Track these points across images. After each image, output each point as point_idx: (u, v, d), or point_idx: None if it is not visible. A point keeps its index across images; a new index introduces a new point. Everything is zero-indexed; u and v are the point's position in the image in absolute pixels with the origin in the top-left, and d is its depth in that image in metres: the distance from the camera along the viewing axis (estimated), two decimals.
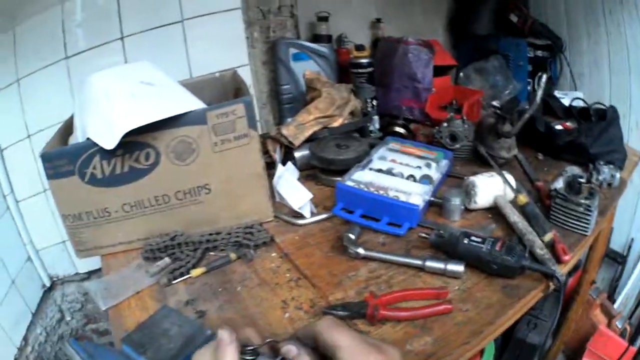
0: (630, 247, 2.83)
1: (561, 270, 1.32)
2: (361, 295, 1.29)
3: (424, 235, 1.49)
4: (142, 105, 1.42)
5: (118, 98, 1.42)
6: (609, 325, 2.65)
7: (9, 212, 1.96)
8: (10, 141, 1.93)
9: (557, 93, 2.53)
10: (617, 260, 2.87)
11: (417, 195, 1.58)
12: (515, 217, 1.50)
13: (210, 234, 1.53)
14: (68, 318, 2.27)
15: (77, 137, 1.49)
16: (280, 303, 1.30)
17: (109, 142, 1.32)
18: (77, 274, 2.20)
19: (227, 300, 1.32)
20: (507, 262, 1.29)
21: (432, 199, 1.65)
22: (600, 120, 1.95)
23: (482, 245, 1.32)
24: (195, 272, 1.42)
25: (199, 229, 1.57)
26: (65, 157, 1.40)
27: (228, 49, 2.24)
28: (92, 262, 2.07)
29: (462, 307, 1.22)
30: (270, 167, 1.71)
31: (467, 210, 1.66)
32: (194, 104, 1.49)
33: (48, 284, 2.15)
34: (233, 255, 1.48)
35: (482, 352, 2.21)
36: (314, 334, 0.72)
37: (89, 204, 1.47)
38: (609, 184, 1.75)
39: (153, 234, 1.54)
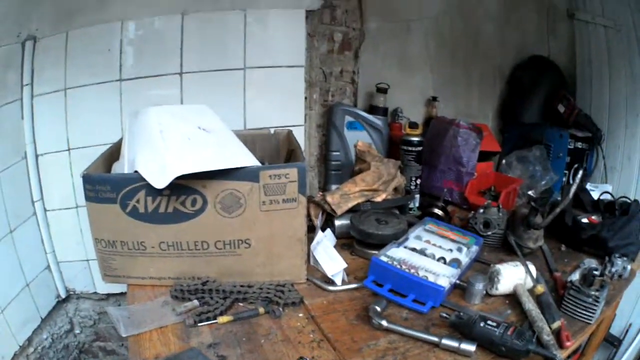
0: (627, 331, 2.77)
1: (561, 355, 1.35)
2: None
3: (445, 315, 1.50)
4: (198, 152, 1.43)
5: (174, 139, 1.44)
6: None
7: (34, 218, 1.94)
8: (48, 149, 1.90)
9: (588, 185, 2.53)
10: (614, 343, 2.79)
11: (444, 277, 1.59)
12: (530, 305, 1.52)
13: (242, 286, 1.54)
14: (77, 331, 2.25)
15: (122, 166, 1.50)
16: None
17: (160, 181, 1.33)
18: (95, 292, 2.17)
19: (249, 350, 1.32)
20: (515, 345, 1.32)
21: (457, 281, 1.66)
22: (623, 215, 1.95)
23: (496, 330, 1.35)
24: (222, 319, 1.42)
25: (232, 279, 1.57)
26: (108, 184, 1.41)
27: (286, 106, 2.21)
28: (113, 286, 2.04)
29: None
30: (310, 230, 1.70)
31: (488, 295, 1.66)
32: (249, 160, 1.50)
33: (64, 295, 2.12)
34: (261, 310, 1.48)
35: None
36: None
37: (126, 235, 1.47)
38: (620, 276, 1.75)
39: (185, 276, 1.55)
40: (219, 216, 1.47)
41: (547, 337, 1.39)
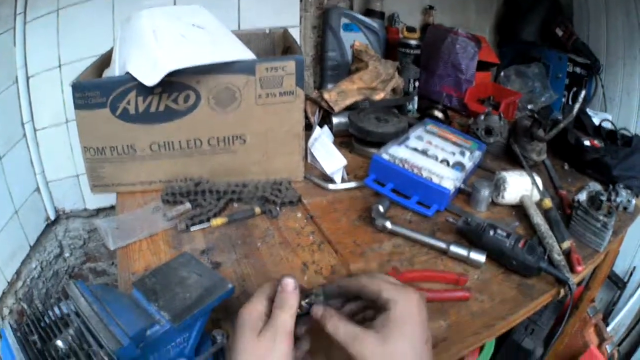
0: (631, 274, 2.78)
1: (574, 280, 1.28)
2: (383, 269, 1.24)
3: (451, 220, 1.42)
4: (192, 47, 1.33)
5: (167, 36, 1.33)
6: (599, 347, 2.57)
7: (24, 141, 1.84)
8: (39, 69, 1.81)
9: (588, 111, 2.46)
10: (618, 284, 2.81)
11: (449, 180, 1.51)
12: (539, 218, 1.45)
13: (237, 185, 1.45)
14: (67, 254, 2.17)
15: (114, 70, 1.39)
16: (300, 265, 1.23)
17: (151, 78, 1.22)
18: (85, 209, 2.09)
19: (245, 255, 1.25)
20: (527, 260, 1.25)
21: (462, 186, 1.59)
22: (626, 146, 1.90)
23: (507, 240, 1.27)
24: (216, 222, 1.33)
25: (226, 178, 1.48)
26: (98, 89, 1.31)
27: (280, 7, 2.09)
28: (102, 200, 1.99)
29: (478, 297, 1.18)
30: (307, 128, 1.61)
31: (494, 203, 1.59)
32: (245, 53, 1.40)
33: (53, 217, 2.03)
34: (257, 209, 1.40)
35: (481, 347, 2.15)
36: (359, 285, 0.81)
37: (116, 139, 1.38)
38: (625, 208, 1.69)
39: (177, 178, 1.46)
40: (213, 112, 1.38)
41: (558, 256, 1.32)
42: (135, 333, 0.70)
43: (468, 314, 1.11)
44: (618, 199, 1.59)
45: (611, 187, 1.65)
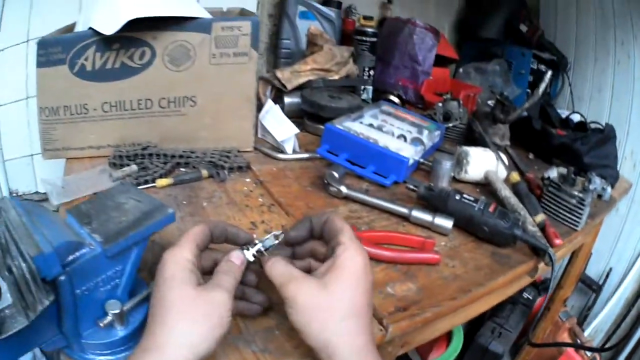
0: (607, 276, 2.88)
1: (554, 251, 1.28)
2: None
3: (412, 187, 1.45)
4: (153, 1, 1.42)
5: None
6: (576, 351, 2.64)
7: None
8: (8, 44, 1.89)
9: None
10: (592, 287, 2.91)
11: (407, 151, 1.57)
12: (507, 192, 1.50)
13: (185, 151, 1.54)
14: None
15: (77, 29, 1.50)
16: (248, 224, 1.28)
17: (111, 27, 1.32)
18: (37, 192, 2.13)
19: (189, 213, 1.30)
20: (499, 226, 1.26)
21: (421, 159, 1.66)
22: (598, 134, 1.96)
23: (475, 204, 1.30)
24: (161, 182, 1.41)
25: (174, 144, 1.58)
26: (60, 45, 1.40)
27: None
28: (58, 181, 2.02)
29: (449, 262, 1.20)
30: (259, 109, 1.72)
31: (456, 180, 1.66)
32: (203, 13, 1.51)
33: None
34: (205, 172, 1.48)
35: (449, 339, 2.24)
36: (325, 218, 0.89)
37: (70, 98, 1.46)
38: (600, 196, 1.75)
39: (125, 142, 1.55)
40: (167, 70, 1.48)
41: (533, 227, 1.35)
42: (60, 244, 0.70)
43: (439, 278, 1.13)
44: (591, 186, 1.58)
45: (582, 174, 1.60)
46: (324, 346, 0.74)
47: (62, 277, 0.70)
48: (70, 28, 1.56)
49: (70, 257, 0.73)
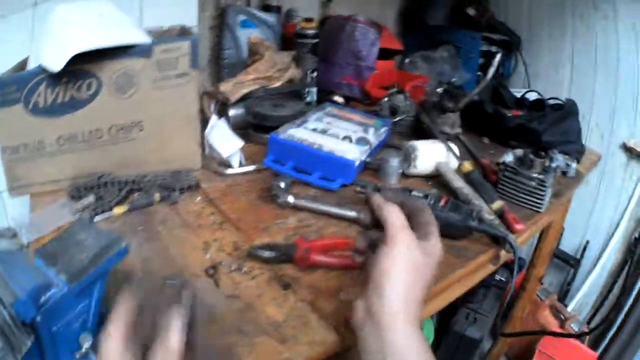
0: (584, 249, 3.06)
1: (514, 237, 1.38)
2: (289, 241, 1.35)
3: (359, 190, 1.56)
4: (95, 33, 1.55)
5: (74, 24, 1.55)
6: (562, 327, 2.83)
7: None
8: None
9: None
10: (570, 262, 3.08)
11: (353, 153, 1.67)
12: (459, 182, 1.58)
13: (137, 176, 1.67)
14: None
15: (29, 67, 1.62)
16: (202, 244, 1.39)
17: (58, 63, 1.43)
18: (8, 228, 2.07)
19: (146, 239, 1.40)
20: (451, 218, 1.34)
21: (368, 159, 1.74)
22: (557, 111, 2.08)
23: (424, 200, 1.36)
24: (118, 210, 1.53)
25: (127, 171, 1.69)
26: (15, 84, 1.51)
27: (180, 7, 2.29)
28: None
29: None
30: (204, 124, 1.84)
31: (405, 176, 1.75)
32: (144, 37, 1.63)
33: None
34: (157, 196, 1.60)
35: None
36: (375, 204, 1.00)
37: (27, 135, 1.58)
38: (564, 172, 1.85)
39: (82, 174, 1.67)
40: (113, 98, 1.60)
41: (489, 216, 1.43)
42: (32, 288, 0.81)
43: None
44: (554, 164, 1.65)
45: (543, 154, 1.65)
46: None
47: (38, 318, 0.81)
48: (24, 64, 1.67)
49: (43, 299, 0.83)
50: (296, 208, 1.54)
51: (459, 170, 1.69)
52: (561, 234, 2.92)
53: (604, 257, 3.01)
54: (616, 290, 2.97)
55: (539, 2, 3.03)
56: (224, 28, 2.49)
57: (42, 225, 1.50)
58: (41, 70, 1.49)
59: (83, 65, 1.52)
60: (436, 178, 1.74)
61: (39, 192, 1.66)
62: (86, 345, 0.92)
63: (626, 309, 2.87)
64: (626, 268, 2.90)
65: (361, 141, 1.83)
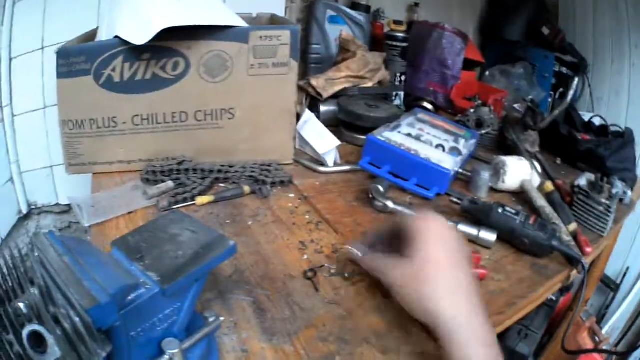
0: (625, 275, 2.80)
1: (586, 260, 1.26)
2: None
3: (455, 200, 1.40)
4: (186, 9, 1.31)
5: None
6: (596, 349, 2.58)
7: (1, 125, 1.78)
8: (22, 51, 1.77)
9: None
10: (611, 287, 2.83)
11: (448, 162, 1.49)
12: (542, 202, 1.43)
13: (223, 165, 1.42)
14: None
15: (100, 37, 1.37)
16: (298, 244, 1.18)
17: (142, 37, 1.19)
18: (57, 204, 2.02)
19: (235, 234, 1.19)
20: (539, 238, 1.22)
21: (460, 170, 1.58)
22: (619, 138, 1.91)
23: (517, 217, 1.24)
24: (201, 200, 1.29)
25: (211, 158, 1.45)
26: (84, 54, 1.27)
27: None
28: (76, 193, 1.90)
29: (494, 276, 1.15)
30: (296, 119, 1.61)
31: (493, 190, 1.58)
32: (239, 21, 1.38)
33: (25, 211, 1.95)
34: (246, 188, 1.36)
35: None
36: (395, 224, 0.95)
37: (97, 111, 1.34)
38: (621, 200, 1.68)
39: (158, 157, 1.43)
40: (202, 81, 1.35)
41: (567, 237, 1.31)
42: (116, 290, 0.59)
43: (487, 293, 1.09)
44: (614, 190, 1.55)
45: (605, 179, 1.58)
46: (431, 317, 0.77)
47: (118, 323, 0.59)
48: (91, 36, 1.44)
49: (126, 300, 0.63)
50: (394, 214, 1.35)
51: (540, 189, 1.54)
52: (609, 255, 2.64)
53: (639, 284, 2.78)
54: None
55: (603, 27, 2.76)
56: (312, 22, 2.24)
57: (109, 209, 1.22)
58: (117, 42, 1.27)
59: (170, 42, 1.30)
60: (519, 195, 1.57)
61: (103, 172, 1.43)
62: (171, 351, 0.68)
63: None
64: None
65: (454, 151, 1.65)
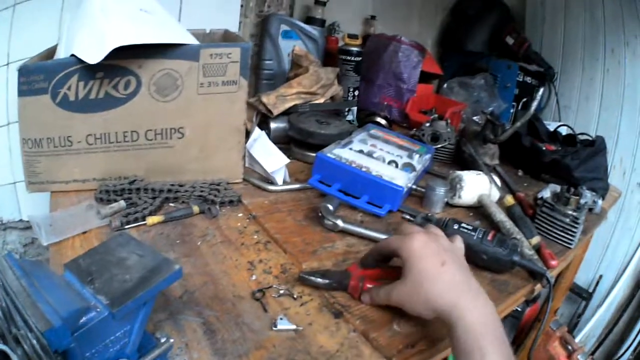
0: (597, 283, 2.92)
1: (551, 274, 1.32)
2: (338, 267, 1.25)
3: (408, 217, 1.49)
4: (139, 27, 1.38)
5: (115, 15, 1.38)
6: (569, 358, 2.69)
7: None
8: None
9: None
10: (582, 295, 2.95)
11: (400, 179, 1.55)
12: (502, 216, 1.50)
13: (173, 185, 1.49)
14: None
15: (59, 54, 1.44)
16: (246, 264, 1.24)
17: (95, 56, 1.27)
18: (21, 220, 2.08)
19: (184, 254, 1.25)
20: (498, 253, 1.27)
21: (414, 186, 1.65)
22: (588, 147, 1.96)
23: (474, 234, 1.30)
24: (152, 220, 1.36)
25: (162, 178, 1.53)
26: (42, 72, 1.34)
27: (222, 10, 2.17)
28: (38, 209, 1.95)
29: None
30: (246, 137, 1.67)
31: (449, 205, 1.66)
32: (190, 39, 1.46)
33: None
34: (195, 208, 1.43)
35: None
36: (379, 248, 1.13)
37: (53, 129, 1.41)
38: (591, 209, 1.75)
39: (111, 176, 1.50)
40: (153, 100, 1.43)
41: (529, 251, 1.38)
42: (68, 314, 0.66)
43: None
44: (582, 200, 1.60)
45: (572, 190, 1.59)
46: (437, 312, 0.94)
47: (72, 345, 0.67)
48: (51, 52, 1.51)
49: (79, 323, 0.69)
50: (343, 232, 1.41)
51: (500, 203, 1.61)
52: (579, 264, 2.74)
53: (614, 292, 2.90)
54: (622, 324, 2.89)
55: (575, 34, 2.89)
56: (265, 37, 2.32)
57: (65, 228, 1.30)
58: (73, 61, 1.33)
59: (122, 60, 1.36)
60: (478, 209, 1.65)
61: (60, 190, 1.50)
62: None
63: (628, 344, 2.83)
64: (633, 303, 2.84)
65: (407, 167, 1.71)
